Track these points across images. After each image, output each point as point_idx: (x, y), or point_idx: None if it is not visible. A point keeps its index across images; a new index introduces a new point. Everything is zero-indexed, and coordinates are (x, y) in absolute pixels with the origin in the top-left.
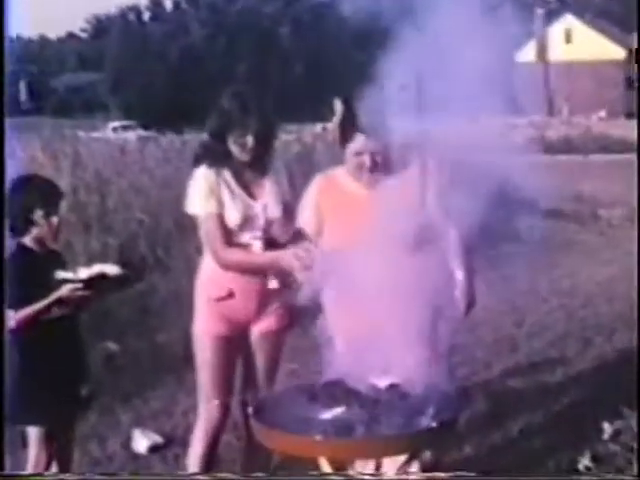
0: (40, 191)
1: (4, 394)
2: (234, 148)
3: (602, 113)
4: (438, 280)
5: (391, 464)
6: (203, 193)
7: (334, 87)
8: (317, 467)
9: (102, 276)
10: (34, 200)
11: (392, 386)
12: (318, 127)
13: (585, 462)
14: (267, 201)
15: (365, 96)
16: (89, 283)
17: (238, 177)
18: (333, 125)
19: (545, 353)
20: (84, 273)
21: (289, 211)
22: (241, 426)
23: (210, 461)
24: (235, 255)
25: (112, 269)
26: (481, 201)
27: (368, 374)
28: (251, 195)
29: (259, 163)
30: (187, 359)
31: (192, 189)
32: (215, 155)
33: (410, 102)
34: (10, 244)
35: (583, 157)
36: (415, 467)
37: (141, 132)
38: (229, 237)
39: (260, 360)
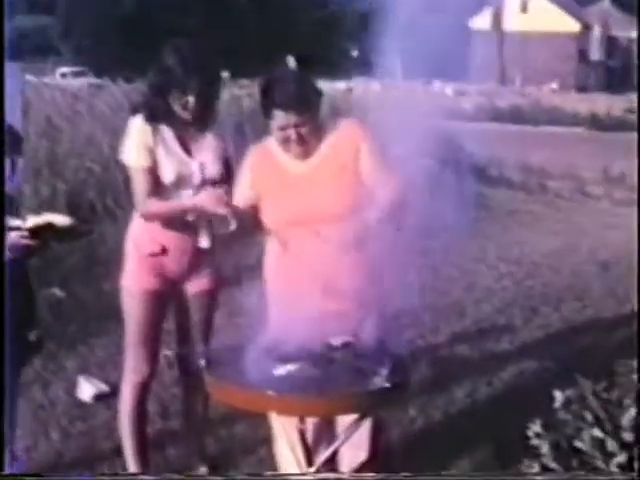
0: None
1: (4, 394)
2: (175, 105)
3: (554, 85)
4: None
5: (342, 422)
6: (134, 145)
7: (288, 43)
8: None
9: (50, 226)
10: None
11: (346, 344)
12: None
13: (535, 429)
14: (205, 159)
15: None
16: (36, 232)
17: (177, 134)
18: None
19: (492, 320)
20: (32, 222)
21: (230, 169)
22: (175, 379)
23: (140, 413)
24: (154, 206)
25: (61, 219)
26: (427, 163)
27: (321, 332)
28: (189, 153)
29: (201, 121)
30: None
31: (126, 140)
32: (154, 110)
33: (360, 65)
34: None
35: (533, 127)
36: (365, 427)
37: (92, 79)
38: (157, 192)
39: (194, 318)
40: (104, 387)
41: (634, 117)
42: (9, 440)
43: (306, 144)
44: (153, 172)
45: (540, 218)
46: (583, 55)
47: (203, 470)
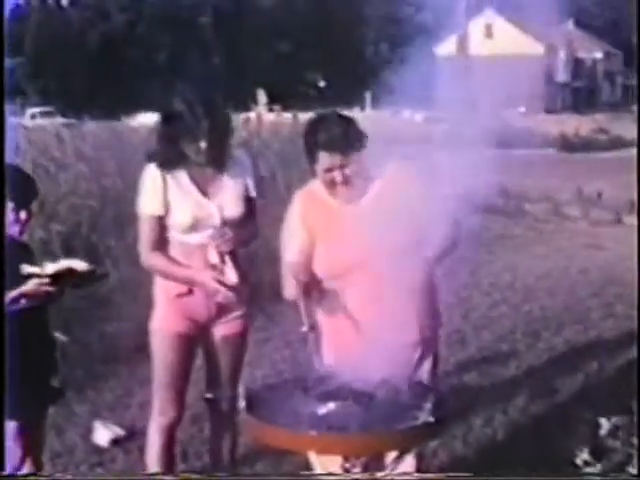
0: (13, 183)
1: (4, 393)
2: (188, 151)
3: (522, 108)
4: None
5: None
6: (146, 193)
7: (255, 76)
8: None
9: (69, 271)
10: (6, 190)
11: (384, 382)
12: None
13: (584, 457)
14: (224, 200)
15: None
16: (56, 278)
17: (193, 176)
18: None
19: (495, 347)
20: (50, 268)
21: (253, 208)
22: (205, 422)
23: (169, 456)
24: (156, 261)
25: (79, 264)
26: None
27: (359, 370)
28: (206, 194)
29: (216, 161)
30: (138, 349)
31: (140, 188)
32: (166, 157)
33: (328, 96)
34: None
35: (504, 151)
36: (408, 463)
37: (60, 119)
38: (162, 242)
39: (223, 362)
40: (120, 431)
41: (603, 137)
42: None
43: (352, 185)
44: (162, 222)
45: (524, 242)
46: (549, 77)
47: None
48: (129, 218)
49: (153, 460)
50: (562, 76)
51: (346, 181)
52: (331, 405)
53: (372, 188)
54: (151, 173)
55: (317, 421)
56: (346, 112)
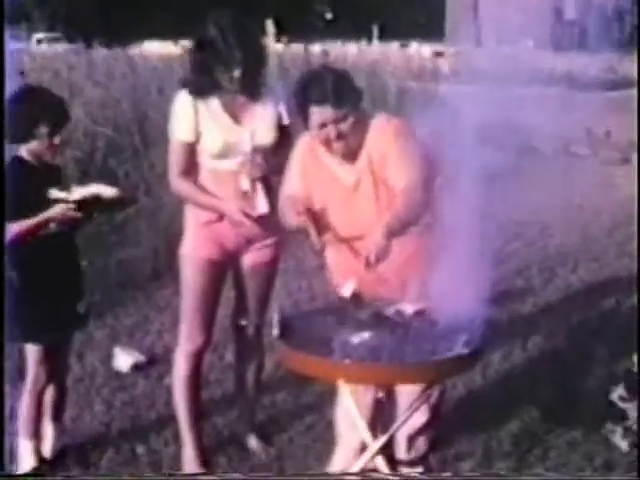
0: (48, 107)
1: (4, 391)
2: (221, 79)
3: (530, 42)
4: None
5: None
6: (177, 119)
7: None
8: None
9: (96, 197)
10: (40, 114)
11: (419, 312)
12: None
13: (620, 392)
14: (257, 127)
15: None
16: (82, 204)
17: (225, 104)
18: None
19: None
20: (77, 194)
21: (287, 136)
22: (235, 349)
23: (194, 383)
24: (183, 188)
25: (107, 190)
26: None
27: (394, 300)
28: (238, 121)
29: (250, 90)
30: (155, 276)
31: (172, 114)
32: (199, 84)
33: (335, 29)
34: (8, 154)
35: (511, 88)
36: (434, 395)
37: (66, 45)
38: (192, 169)
39: (251, 290)
40: (140, 356)
41: (611, 76)
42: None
43: (347, 142)
44: (192, 149)
45: (536, 179)
46: (558, 14)
47: (252, 440)
48: (145, 144)
49: (179, 386)
50: (571, 13)
51: (340, 137)
52: (365, 334)
53: (365, 149)
54: (183, 100)
55: (350, 349)
56: (353, 44)
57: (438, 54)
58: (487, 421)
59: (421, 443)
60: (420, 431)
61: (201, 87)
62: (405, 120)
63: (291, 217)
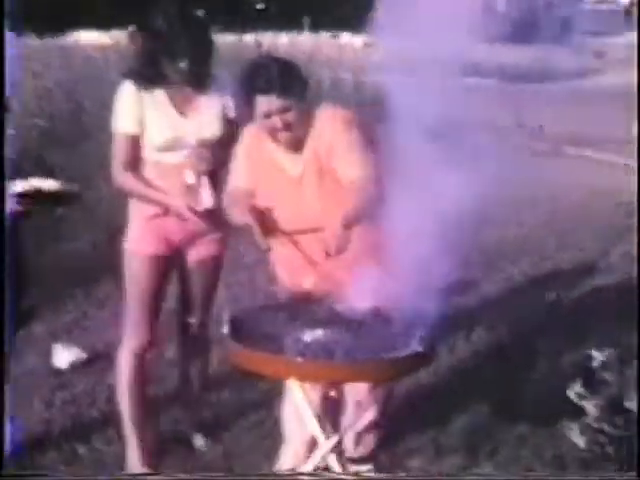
0: None
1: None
2: (168, 71)
3: (461, 34)
4: None
5: (354, 390)
6: (120, 111)
7: None
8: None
9: (37, 191)
10: None
11: (372, 309)
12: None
13: (577, 389)
14: (202, 119)
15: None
16: (23, 197)
17: (171, 95)
18: None
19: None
20: (19, 187)
21: (233, 128)
22: (179, 346)
23: (138, 381)
24: (127, 182)
25: (49, 184)
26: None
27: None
28: (184, 113)
29: (197, 81)
30: (94, 271)
31: (115, 104)
32: (144, 76)
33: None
34: None
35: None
36: (383, 391)
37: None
38: (137, 162)
39: (197, 285)
40: (81, 353)
41: (541, 68)
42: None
43: (293, 132)
44: (136, 141)
45: (471, 170)
46: (489, 6)
47: (198, 438)
48: (81, 136)
49: (123, 385)
50: (502, 5)
51: (286, 127)
52: (318, 331)
53: (310, 140)
54: (127, 90)
55: (303, 347)
56: (284, 35)
57: (369, 45)
58: (435, 416)
59: (370, 439)
60: (369, 427)
61: (146, 78)
62: (351, 111)
63: (236, 215)
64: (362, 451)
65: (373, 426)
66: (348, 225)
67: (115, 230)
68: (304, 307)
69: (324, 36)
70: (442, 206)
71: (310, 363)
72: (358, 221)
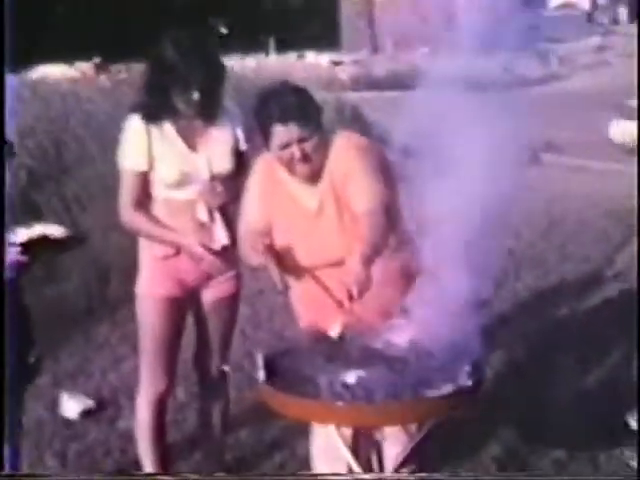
0: None
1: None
2: (178, 103)
3: (425, 49)
4: None
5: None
6: (128, 147)
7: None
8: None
9: (43, 238)
10: None
11: (412, 344)
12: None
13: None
14: (213, 153)
15: None
16: (29, 246)
17: (180, 129)
18: None
19: None
20: (23, 235)
21: (243, 162)
22: (196, 393)
23: (158, 429)
24: (137, 221)
25: (55, 230)
26: None
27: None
28: (194, 147)
29: (207, 113)
30: (90, 312)
31: (122, 141)
32: (153, 109)
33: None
34: None
35: (411, 92)
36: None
37: None
38: (145, 200)
39: (213, 327)
40: (89, 401)
41: (507, 76)
42: None
43: (311, 163)
44: (145, 178)
45: (452, 184)
46: (452, 18)
47: None
48: (63, 173)
49: (143, 434)
50: (464, 17)
51: (305, 158)
52: (357, 372)
53: (327, 169)
54: (134, 125)
55: (341, 389)
56: (251, 58)
57: (336, 63)
58: (467, 447)
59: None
60: (403, 463)
61: (155, 111)
62: (368, 138)
63: (251, 255)
64: None
65: (408, 461)
66: (367, 262)
67: (106, 268)
68: (338, 347)
69: (291, 57)
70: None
71: (350, 407)
72: (375, 255)
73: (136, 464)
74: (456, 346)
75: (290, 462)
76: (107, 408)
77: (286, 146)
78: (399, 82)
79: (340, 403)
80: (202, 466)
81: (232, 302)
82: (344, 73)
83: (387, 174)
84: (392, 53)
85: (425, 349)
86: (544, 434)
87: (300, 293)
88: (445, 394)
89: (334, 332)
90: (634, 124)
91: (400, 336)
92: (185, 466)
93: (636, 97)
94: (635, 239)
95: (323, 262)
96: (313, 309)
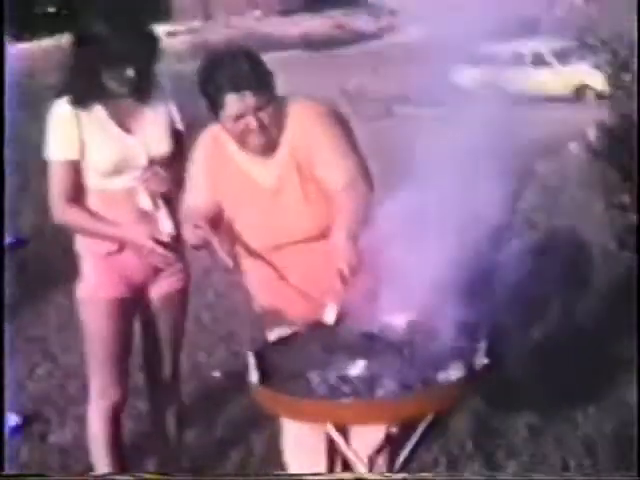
0: None
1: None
2: (109, 82)
3: (257, 12)
4: None
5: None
6: (55, 135)
7: None
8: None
9: None
10: None
11: (412, 324)
12: None
13: None
14: (150, 136)
15: None
16: None
17: (113, 111)
18: None
19: None
20: None
21: (182, 144)
22: (150, 398)
23: (114, 441)
24: (72, 216)
25: None
26: None
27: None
28: (128, 131)
29: (141, 92)
30: None
31: (48, 128)
32: (82, 90)
33: None
34: None
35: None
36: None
37: None
38: (78, 192)
39: (164, 325)
40: (16, 417)
41: (341, 33)
42: None
43: (267, 134)
44: (77, 168)
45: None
46: None
47: None
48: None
49: (98, 447)
50: None
51: (262, 128)
52: (361, 363)
53: (284, 140)
54: (62, 110)
55: (351, 385)
56: None
57: (170, 34)
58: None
59: (381, 462)
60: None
61: (85, 92)
62: (328, 104)
63: (190, 232)
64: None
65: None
66: (354, 238)
67: None
68: (333, 335)
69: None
70: None
71: (358, 403)
72: (361, 229)
73: None
74: (465, 322)
75: (250, 460)
76: (35, 423)
77: (240, 117)
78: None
79: (346, 400)
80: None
81: (182, 296)
82: (180, 43)
83: (352, 138)
84: (225, 19)
85: (427, 329)
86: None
87: (253, 275)
88: (461, 377)
89: (329, 317)
90: (478, 69)
91: (398, 318)
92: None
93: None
94: None
95: (286, 241)
96: (271, 291)
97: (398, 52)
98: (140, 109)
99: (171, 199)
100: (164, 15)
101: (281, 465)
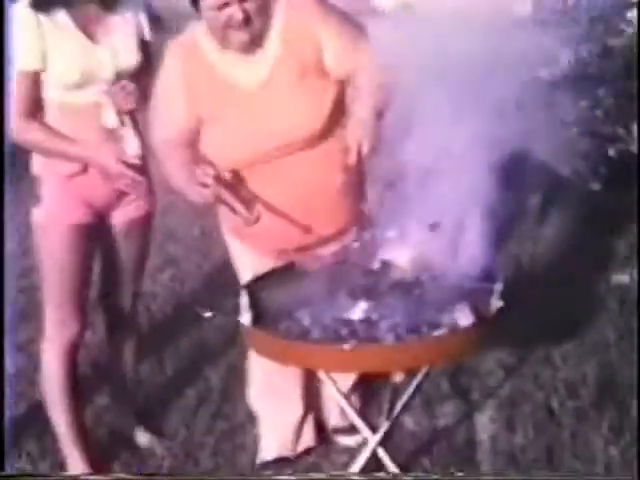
0: None
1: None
2: None
3: None
4: None
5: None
6: (16, 43)
7: None
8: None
9: None
10: None
11: (416, 261)
12: None
13: None
14: (117, 45)
15: None
16: None
17: (77, 17)
18: None
19: None
20: None
21: (149, 55)
22: (107, 331)
23: (71, 380)
24: (30, 132)
25: None
26: None
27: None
28: (94, 39)
29: None
30: None
31: (8, 34)
32: None
33: None
34: None
35: None
36: None
37: None
38: (37, 105)
39: (125, 255)
40: None
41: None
42: None
43: (252, 27)
44: (37, 79)
45: None
46: None
47: (141, 435)
48: None
49: (54, 387)
50: None
51: (247, 20)
52: (364, 304)
53: (273, 35)
54: (22, 15)
55: (354, 329)
56: None
57: None
58: None
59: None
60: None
61: None
62: None
63: (197, 191)
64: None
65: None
66: (377, 116)
67: None
68: (334, 273)
69: None
70: None
71: (366, 348)
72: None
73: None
74: (473, 260)
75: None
76: None
77: (224, 5)
78: None
79: (348, 345)
80: (112, 407)
81: (146, 222)
82: None
83: (354, 21)
84: None
85: (432, 266)
86: None
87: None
88: (474, 321)
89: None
90: None
91: (398, 255)
92: (93, 409)
93: None
94: None
95: (278, 145)
96: (272, 237)
97: None
98: (107, 17)
99: (136, 117)
100: None
101: (242, 401)
